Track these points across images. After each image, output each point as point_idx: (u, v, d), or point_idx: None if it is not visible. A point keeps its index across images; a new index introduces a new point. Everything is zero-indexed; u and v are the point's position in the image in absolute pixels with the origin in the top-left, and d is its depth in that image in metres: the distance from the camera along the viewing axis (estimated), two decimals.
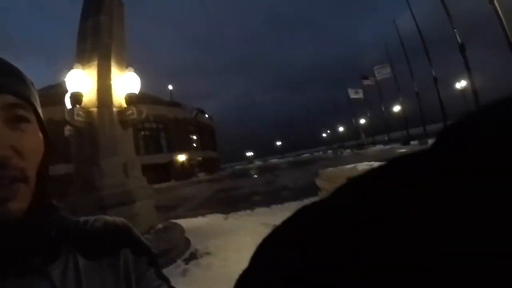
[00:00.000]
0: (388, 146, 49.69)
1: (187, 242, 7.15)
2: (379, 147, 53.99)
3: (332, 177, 7.24)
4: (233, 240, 7.20)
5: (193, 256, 6.32)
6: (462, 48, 19.28)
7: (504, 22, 11.68)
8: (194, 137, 57.16)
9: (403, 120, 51.64)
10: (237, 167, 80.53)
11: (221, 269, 5.39)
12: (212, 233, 8.14)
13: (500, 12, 11.74)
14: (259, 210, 11.49)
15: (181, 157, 48.43)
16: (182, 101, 59.77)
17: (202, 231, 8.52)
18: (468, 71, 19.88)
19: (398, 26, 42.05)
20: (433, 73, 31.38)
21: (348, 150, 61.36)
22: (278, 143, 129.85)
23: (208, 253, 6.37)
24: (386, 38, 53.03)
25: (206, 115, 68.10)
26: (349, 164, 8.09)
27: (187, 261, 6.10)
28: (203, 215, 11.32)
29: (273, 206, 11.78)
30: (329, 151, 74.74)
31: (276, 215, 10.19)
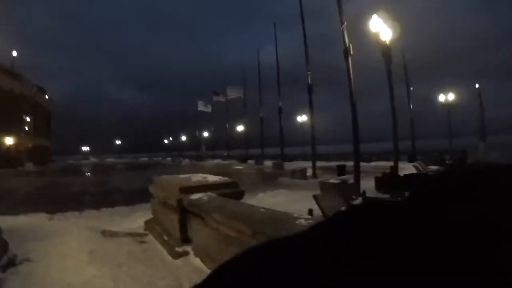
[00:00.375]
0: (226, 162, 52.01)
1: (4, 245, 6.25)
2: (217, 161, 56.23)
3: (165, 185, 7.35)
4: (58, 244, 6.60)
5: (11, 263, 5.57)
6: (310, 88, 21.98)
7: (352, 78, 13.93)
8: (28, 119, 50.58)
9: (244, 140, 54.68)
10: (70, 161, 74.86)
11: (43, 279, 4.91)
12: (35, 235, 7.32)
13: (350, 69, 14.02)
14: (88, 213, 11.02)
15: (8, 140, 42.79)
16: (25, 73, 51.44)
17: (23, 232, 7.61)
18: (310, 109, 22.47)
19: (263, 55, 44.64)
20: (280, 104, 34.21)
21: (187, 160, 62.29)
22: (118, 142, 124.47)
23: (28, 259, 5.70)
24: (249, 62, 55.83)
25: (46, 96, 61.60)
26: (186, 173, 8.27)
27: (3, 268, 5.34)
28: (25, 213, 10.24)
29: (103, 209, 11.44)
30: (168, 158, 74.73)
31: (106, 220, 9.90)
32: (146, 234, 7.53)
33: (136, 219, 9.39)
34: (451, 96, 32.98)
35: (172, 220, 6.46)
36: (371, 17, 15.18)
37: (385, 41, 15.34)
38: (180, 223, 6.14)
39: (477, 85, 30.79)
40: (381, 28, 15.17)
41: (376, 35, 15.31)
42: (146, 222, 8.28)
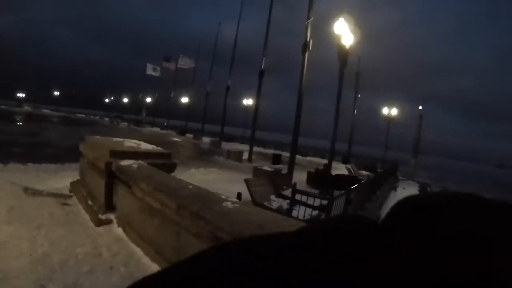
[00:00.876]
0: (164, 131, 51.31)
1: None
2: (155, 129, 55.25)
3: (96, 146, 7.05)
4: None
5: None
6: (261, 73, 22.12)
7: (304, 72, 14.35)
8: None
9: (186, 112, 54.24)
10: (2, 106, 70.06)
11: None
12: None
13: (305, 63, 14.39)
14: (13, 166, 10.43)
15: None
16: None
17: None
18: (258, 93, 22.64)
19: (225, 30, 44.09)
20: (229, 82, 34.07)
21: (125, 123, 60.67)
22: (56, 92, 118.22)
23: None
24: (207, 35, 54.94)
25: None
26: (120, 137, 8.05)
27: None
28: None
29: (30, 164, 10.93)
30: (106, 119, 72.41)
31: (31, 175, 9.45)
32: (71, 196, 7.24)
33: (62, 178, 9.03)
34: (394, 111, 34.90)
35: (99, 184, 6.26)
36: (337, 19, 15.49)
37: (344, 45, 15.72)
38: (106, 188, 5.96)
39: (420, 107, 32.67)
40: (344, 31, 15.52)
41: (338, 37, 15.66)
42: (72, 184, 7.95)
